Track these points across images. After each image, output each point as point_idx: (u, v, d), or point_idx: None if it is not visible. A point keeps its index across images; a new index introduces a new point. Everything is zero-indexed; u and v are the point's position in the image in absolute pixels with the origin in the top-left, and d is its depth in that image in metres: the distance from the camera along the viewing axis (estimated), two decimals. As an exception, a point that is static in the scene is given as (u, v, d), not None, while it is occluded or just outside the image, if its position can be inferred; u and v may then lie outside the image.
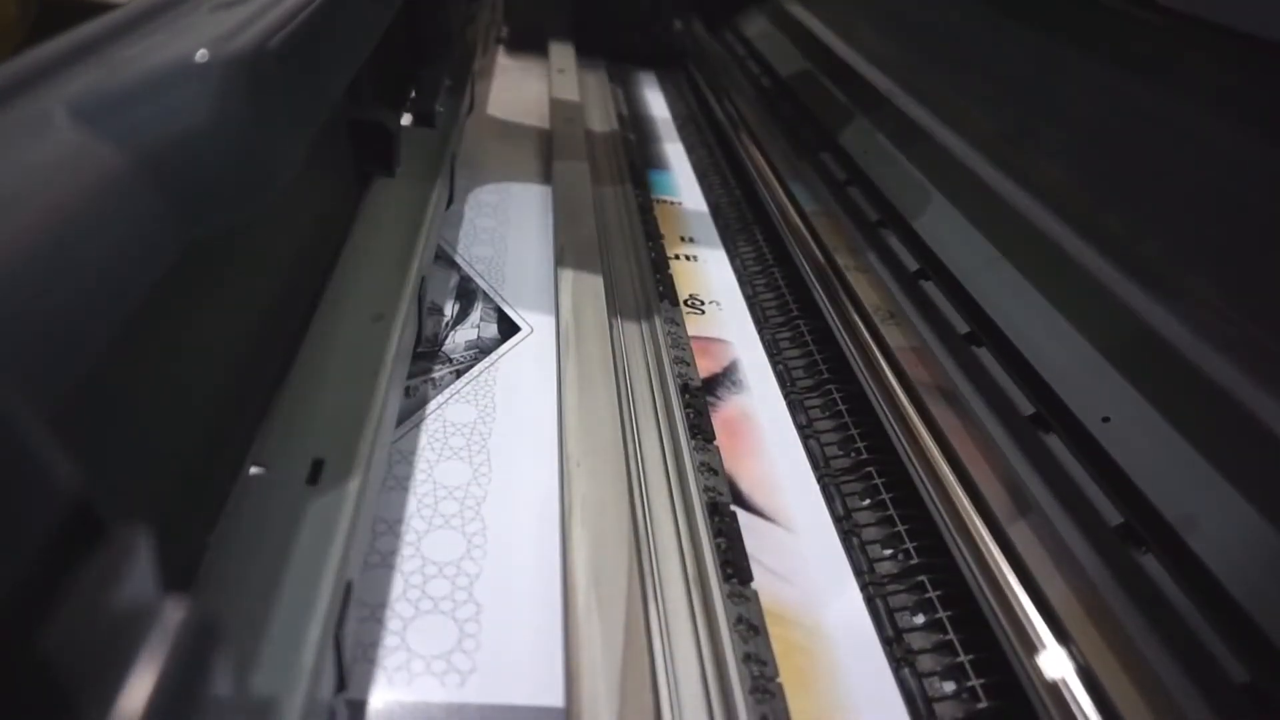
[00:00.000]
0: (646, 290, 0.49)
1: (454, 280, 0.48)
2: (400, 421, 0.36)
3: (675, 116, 0.82)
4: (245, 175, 0.19)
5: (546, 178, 0.62)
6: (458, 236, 0.52)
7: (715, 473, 0.36)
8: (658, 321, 0.46)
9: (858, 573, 0.33)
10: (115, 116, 0.16)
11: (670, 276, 0.52)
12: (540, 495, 0.34)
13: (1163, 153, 0.34)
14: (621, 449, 0.35)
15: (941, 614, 0.31)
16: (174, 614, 0.12)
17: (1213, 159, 0.32)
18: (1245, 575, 0.26)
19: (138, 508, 0.19)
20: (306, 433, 0.28)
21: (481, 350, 0.43)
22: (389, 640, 0.27)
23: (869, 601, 0.32)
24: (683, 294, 0.51)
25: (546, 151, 0.66)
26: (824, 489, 0.37)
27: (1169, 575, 0.29)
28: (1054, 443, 0.35)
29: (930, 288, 0.46)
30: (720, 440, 0.39)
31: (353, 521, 0.25)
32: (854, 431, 0.40)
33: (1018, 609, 0.29)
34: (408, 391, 0.38)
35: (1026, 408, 0.36)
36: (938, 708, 0.28)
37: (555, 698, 0.27)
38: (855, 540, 0.35)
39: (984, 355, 0.40)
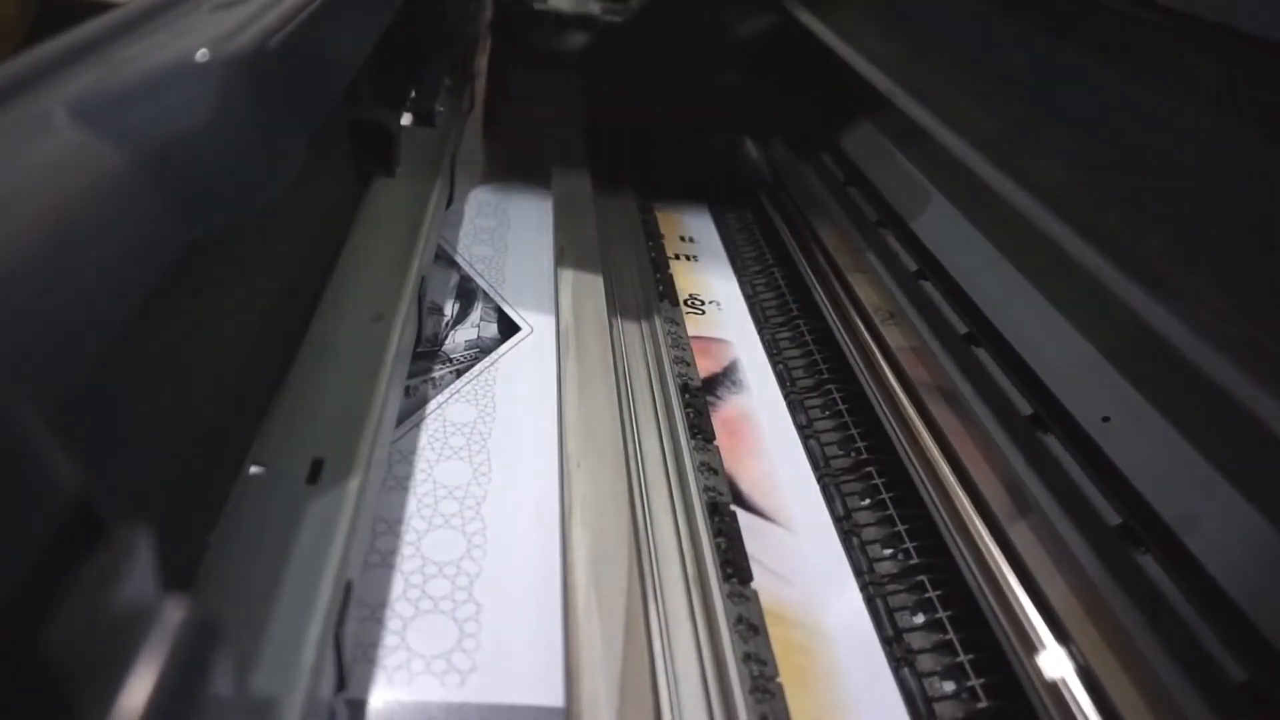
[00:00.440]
0: (646, 290, 0.49)
1: (454, 280, 0.48)
2: (400, 421, 0.36)
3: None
4: (245, 175, 0.19)
5: (547, 177, 0.62)
6: (458, 236, 0.52)
7: (715, 472, 0.37)
8: (658, 321, 0.46)
9: (858, 573, 0.33)
10: (115, 116, 0.16)
11: (670, 276, 0.52)
12: (540, 495, 0.34)
13: (1163, 151, 0.34)
14: (621, 448, 0.35)
15: (941, 614, 0.31)
16: (174, 614, 0.12)
17: (1214, 158, 0.32)
18: (1245, 575, 0.26)
19: (138, 508, 0.19)
20: (306, 433, 0.28)
21: (481, 350, 0.43)
22: (389, 640, 0.27)
23: (869, 601, 0.32)
24: (683, 294, 0.51)
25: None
26: (824, 489, 0.37)
27: (1168, 575, 0.28)
28: (1053, 443, 0.35)
29: (929, 287, 0.46)
30: (720, 440, 0.39)
31: (353, 521, 0.25)
32: (854, 431, 0.40)
33: (1017, 609, 0.29)
34: (408, 391, 0.38)
35: (1026, 408, 0.36)
36: (938, 708, 0.28)
37: (555, 698, 0.27)
38: (855, 540, 0.35)
39: (983, 355, 0.40)
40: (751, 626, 0.30)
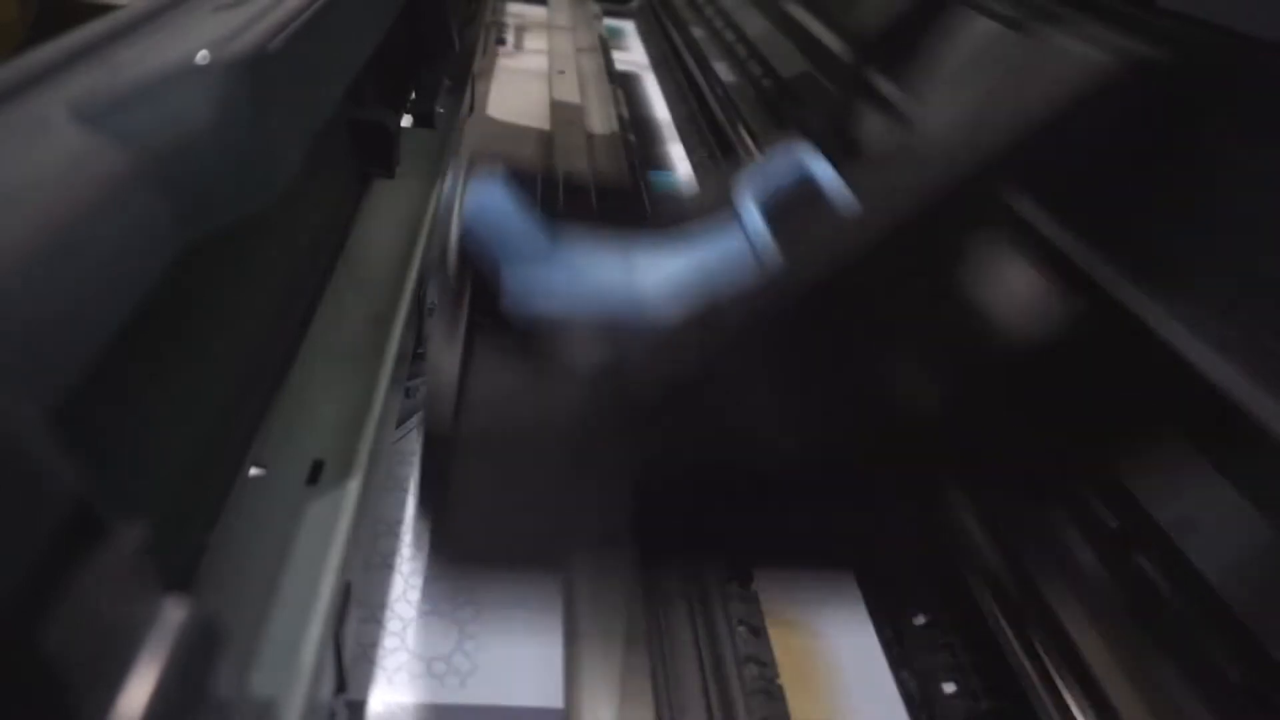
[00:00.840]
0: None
1: (454, 281, 0.48)
2: (400, 421, 0.36)
3: (676, 118, 0.83)
4: (246, 176, 0.19)
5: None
6: (458, 237, 0.52)
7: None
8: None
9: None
10: (116, 118, 0.16)
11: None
12: (540, 496, 0.34)
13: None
14: (621, 449, 0.35)
15: (941, 614, 0.31)
16: (174, 614, 0.12)
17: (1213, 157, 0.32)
18: (1244, 575, 0.26)
19: (138, 508, 0.19)
20: (306, 433, 0.28)
21: (481, 351, 0.42)
22: (389, 641, 0.27)
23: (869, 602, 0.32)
24: (683, 295, 0.51)
25: (547, 153, 0.66)
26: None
27: (1167, 576, 0.28)
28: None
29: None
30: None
31: (352, 522, 0.25)
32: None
33: (1017, 609, 0.29)
34: (407, 392, 0.38)
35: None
36: (938, 708, 0.28)
37: (555, 698, 0.27)
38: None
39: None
40: (753, 628, 0.30)
